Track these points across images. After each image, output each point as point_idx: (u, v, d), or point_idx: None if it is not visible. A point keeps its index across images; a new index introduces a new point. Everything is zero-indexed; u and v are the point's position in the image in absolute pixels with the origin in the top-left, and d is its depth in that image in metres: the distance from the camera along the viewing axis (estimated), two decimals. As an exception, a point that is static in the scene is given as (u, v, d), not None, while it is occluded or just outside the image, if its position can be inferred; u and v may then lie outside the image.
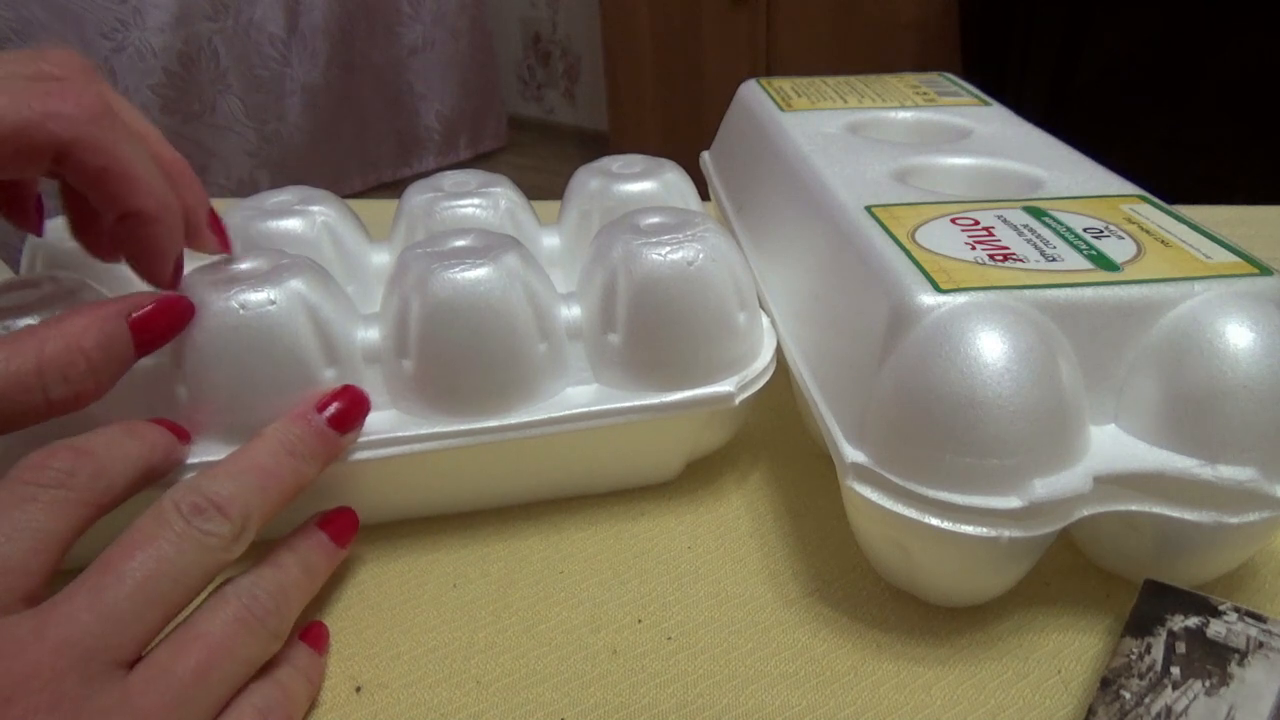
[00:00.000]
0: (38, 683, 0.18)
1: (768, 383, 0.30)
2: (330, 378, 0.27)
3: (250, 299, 0.26)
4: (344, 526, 0.27)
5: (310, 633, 0.25)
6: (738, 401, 0.29)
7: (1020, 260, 0.26)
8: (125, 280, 0.32)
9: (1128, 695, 0.22)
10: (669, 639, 0.26)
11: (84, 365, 0.23)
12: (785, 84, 0.44)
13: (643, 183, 0.37)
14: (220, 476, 0.23)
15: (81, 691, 0.19)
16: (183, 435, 0.26)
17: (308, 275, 0.27)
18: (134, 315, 0.24)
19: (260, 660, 0.23)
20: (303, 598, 0.25)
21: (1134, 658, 0.23)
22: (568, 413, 0.28)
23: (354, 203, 0.40)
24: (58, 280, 0.28)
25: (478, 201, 0.36)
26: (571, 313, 0.30)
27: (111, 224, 0.25)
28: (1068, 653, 0.26)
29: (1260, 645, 0.23)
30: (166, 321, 0.25)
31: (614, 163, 0.39)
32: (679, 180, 0.38)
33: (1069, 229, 0.28)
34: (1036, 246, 0.26)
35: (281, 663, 0.24)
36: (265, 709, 0.22)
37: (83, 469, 0.22)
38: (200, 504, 0.22)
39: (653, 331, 0.28)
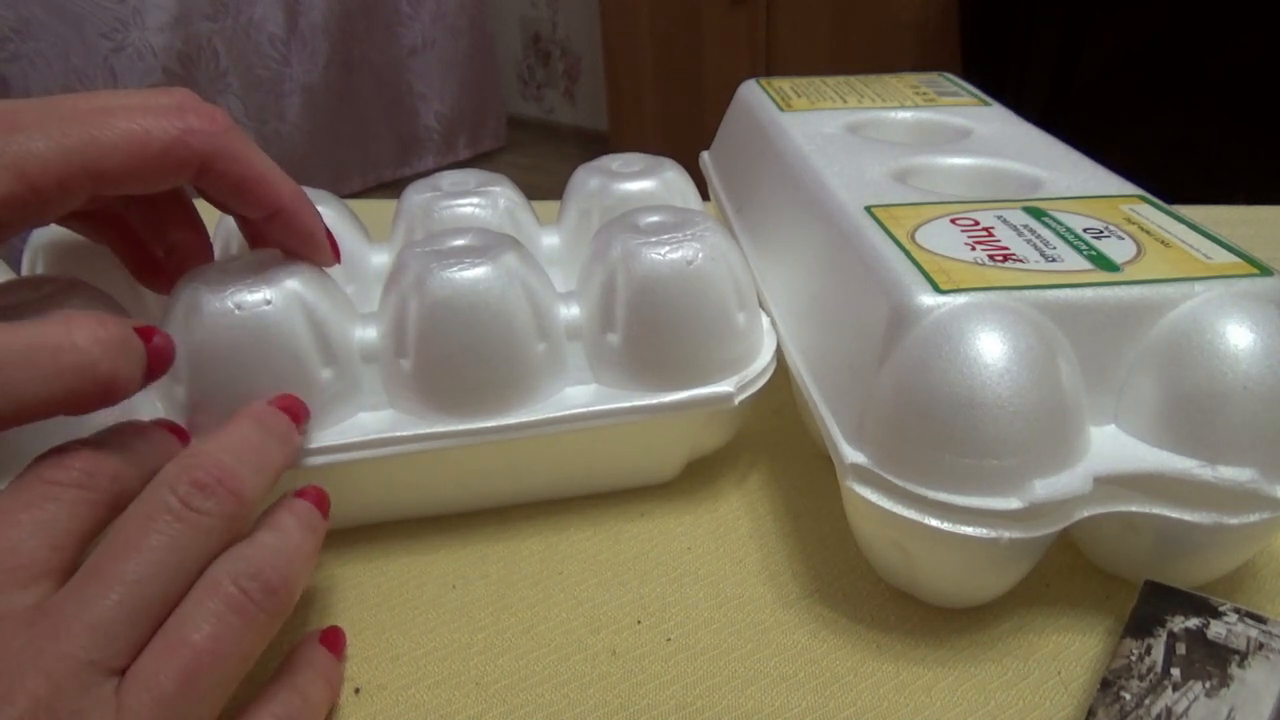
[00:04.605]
0: (29, 702, 0.18)
1: (767, 383, 0.30)
2: (327, 377, 0.27)
3: (246, 299, 0.26)
4: (319, 497, 0.26)
5: (328, 637, 0.25)
6: (737, 402, 0.29)
7: (1020, 261, 0.26)
8: (123, 286, 0.32)
9: (1128, 696, 0.22)
10: (668, 640, 0.26)
11: (103, 328, 0.22)
12: (785, 84, 0.44)
13: (642, 182, 0.37)
14: (214, 451, 0.22)
15: (76, 706, 0.18)
16: (183, 436, 0.26)
17: (304, 275, 0.27)
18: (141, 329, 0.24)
19: (261, 646, 0.22)
20: (308, 563, 0.23)
21: (1134, 659, 0.23)
22: (566, 413, 0.28)
23: (354, 203, 0.40)
24: (57, 280, 0.28)
25: (477, 201, 0.36)
26: (570, 312, 0.29)
27: (261, 224, 0.27)
28: (1068, 654, 0.26)
29: (1260, 646, 0.23)
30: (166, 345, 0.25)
31: (614, 161, 0.39)
32: (679, 179, 0.38)
33: (1069, 229, 0.28)
34: (1036, 247, 0.26)
35: (303, 666, 0.24)
36: (285, 717, 0.22)
37: (103, 470, 0.21)
38: (201, 480, 0.21)
39: (652, 331, 0.28)
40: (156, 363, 0.24)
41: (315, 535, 0.24)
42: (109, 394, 0.22)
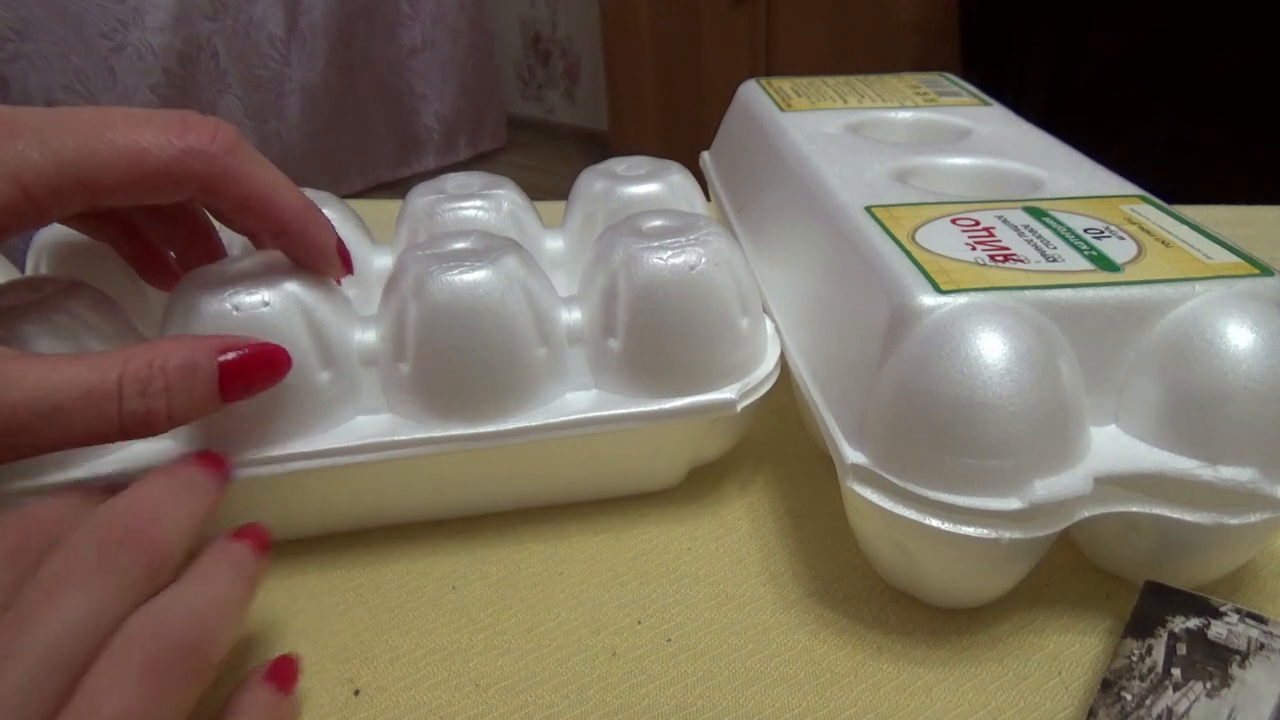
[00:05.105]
0: None
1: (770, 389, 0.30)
2: (326, 380, 0.27)
3: (245, 300, 0.26)
4: (258, 536, 0.24)
5: (276, 671, 0.23)
6: (739, 409, 0.29)
7: (1021, 261, 0.26)
8: (126, 286, 0.32)
9: (1129, 697, 0.22)
10: (668, 641, 0.26)
11: (160, 383, 0.22)
12: (785, 84, 0.44)
13: (648, 185, 0.37)
14: (129, 503, 0.22)
15: None
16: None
17: (304, 277, 0.27)
18: (224, 351, 0.24)
19: (183, 709, 0.20)
20: (237, 612, 0.22)
21: (1135, 659, 0.23)
22: (566, 419, 0.28)
23: (354, 203, 0.40)
24: (59, 281, 0.28)
25: (480, 204, 0.36)
26: (572, 317, 0.29)
27: (268, 238, 0.27)
28: (1068, 654, 0.26)
29: (1261, 647, 0.23)
30: (255, 365, 0.24)
31: (619, 164, 0.39)
32: (684, 182, 0.38)
33: (1069, 229, 0.27)
34: (1037, 247, 0.26)
35: (241, 712, 0.22)
36: None
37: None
38: (117, 533, 0.20)
39: (653, 337, 0.28)
40: (229, 382, 0.24)
41: (246, 581, 0.23)
42: (159, 429, 0.23)
